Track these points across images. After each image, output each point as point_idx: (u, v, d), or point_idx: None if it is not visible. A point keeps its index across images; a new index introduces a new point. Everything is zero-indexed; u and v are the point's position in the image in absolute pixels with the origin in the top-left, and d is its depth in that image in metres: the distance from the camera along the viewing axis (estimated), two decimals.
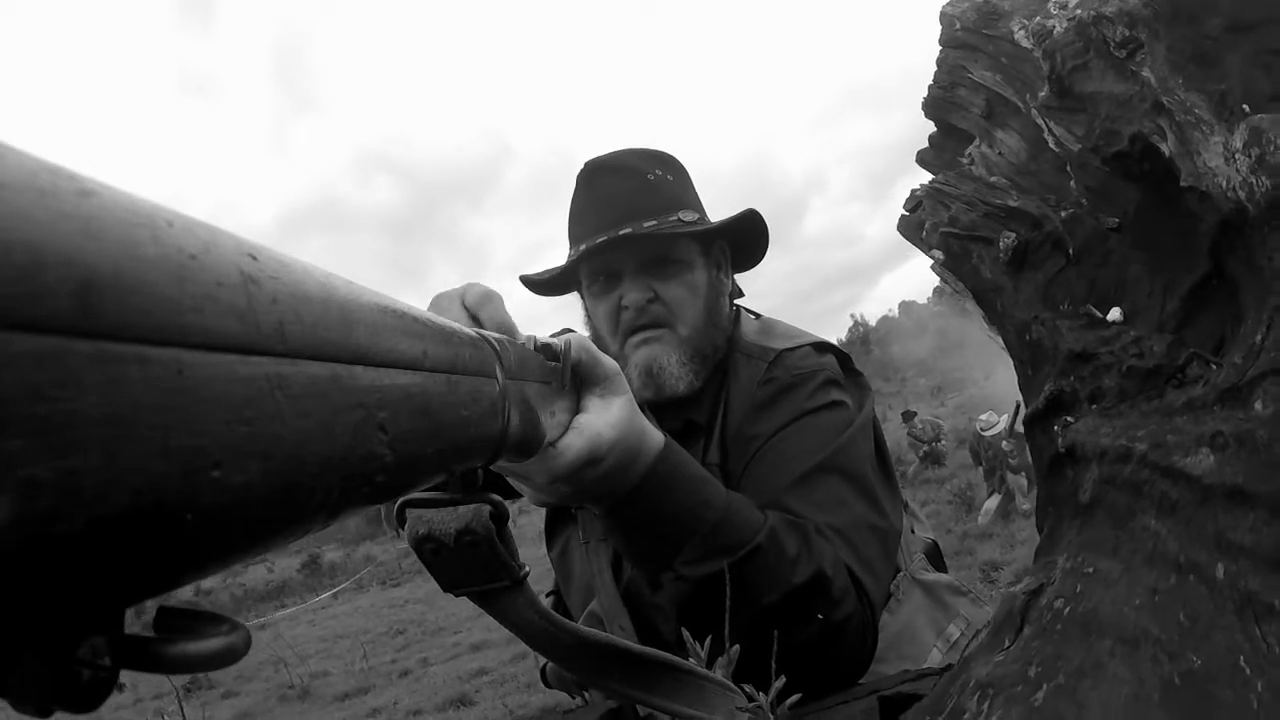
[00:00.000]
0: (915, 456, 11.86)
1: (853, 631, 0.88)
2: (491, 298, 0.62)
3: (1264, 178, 0.58)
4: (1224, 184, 0.62)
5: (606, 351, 1.11)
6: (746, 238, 1.20)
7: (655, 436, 0.79)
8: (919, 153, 1.00)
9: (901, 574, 1.12)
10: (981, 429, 8.90)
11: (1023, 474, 8.24)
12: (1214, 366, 0.57)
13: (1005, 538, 7.10)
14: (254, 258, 0.22)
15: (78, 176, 0.18)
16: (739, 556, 0.81)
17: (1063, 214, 0.80)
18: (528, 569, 0.59)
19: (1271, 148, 0.58)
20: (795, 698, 0.67)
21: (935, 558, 1.26)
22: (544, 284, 1.21)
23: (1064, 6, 0.79)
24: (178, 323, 0.19)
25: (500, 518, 0.55)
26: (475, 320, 0.61)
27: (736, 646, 0.71)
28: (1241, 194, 0.61)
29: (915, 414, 12.78)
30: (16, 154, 0.16)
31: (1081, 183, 0.80)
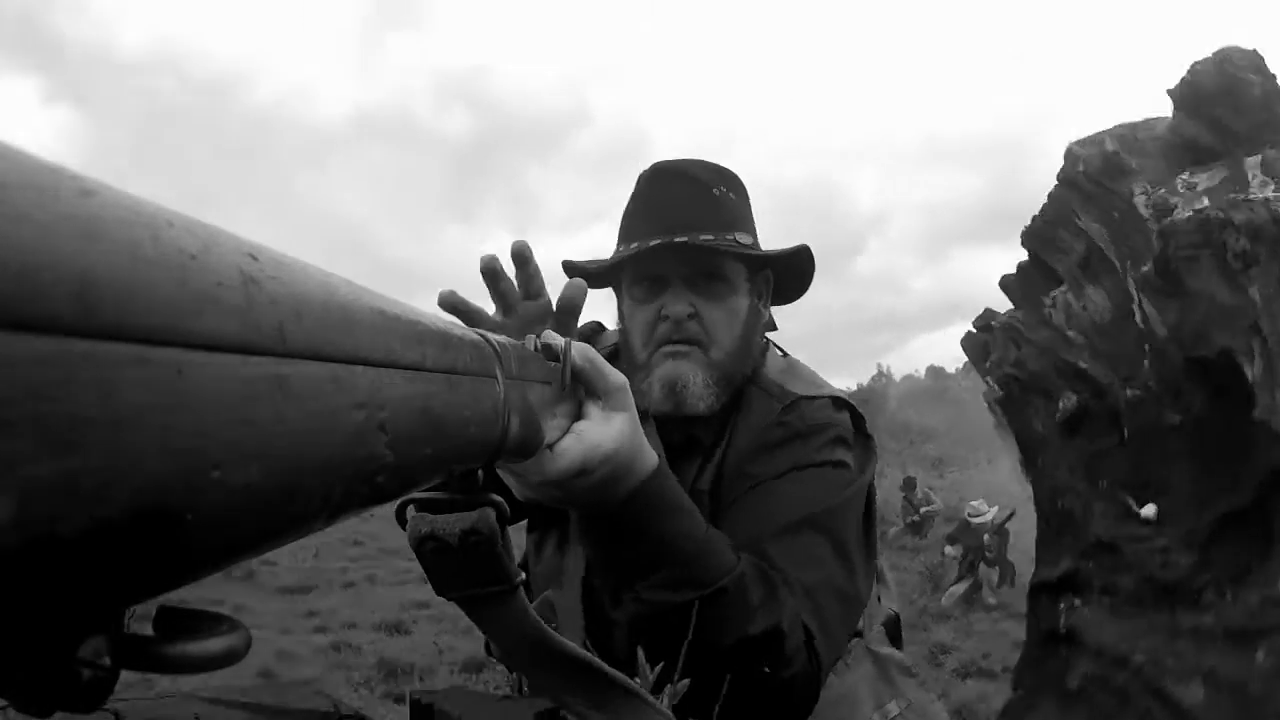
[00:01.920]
0: (901, 521, 11.85)
1: (796, 691, 0.88)
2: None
3: None
4: None
5: (633, 355, 1.11)
6: (793, 272, 1.19)
7: (649, 458, 0.79)
8: (1003, 277, 0.98)
9: (857, 640, 1.12)
10: (970, 515, 8.94)
11: (995, 569, 8.42)
12: (1229, 597, 0.55)
13: (963, 625, 7.22)
14: (254, 258, 0.22)
15: (78, 176, 0.18)
16: (703, 594, 0.81)
17: (1128, 393, 0.78)
18: (523, 576, 0.59)
19: None
20: None
21: (895, 630, 1.26)
22: (591, 274, 1.18)
23: (1191, 188, 0.78)
24: (178, 323, 0.19)
25: (503, 519, 0.55)
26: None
27: (686, 681, 0.71)
28: None
29: (915, 482, 12.73)
30: (16, 154, 0.16)
31: (1156, 368, 0.78)
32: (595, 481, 0.71)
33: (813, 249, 1.18)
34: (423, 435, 0.32)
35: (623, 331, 1.16)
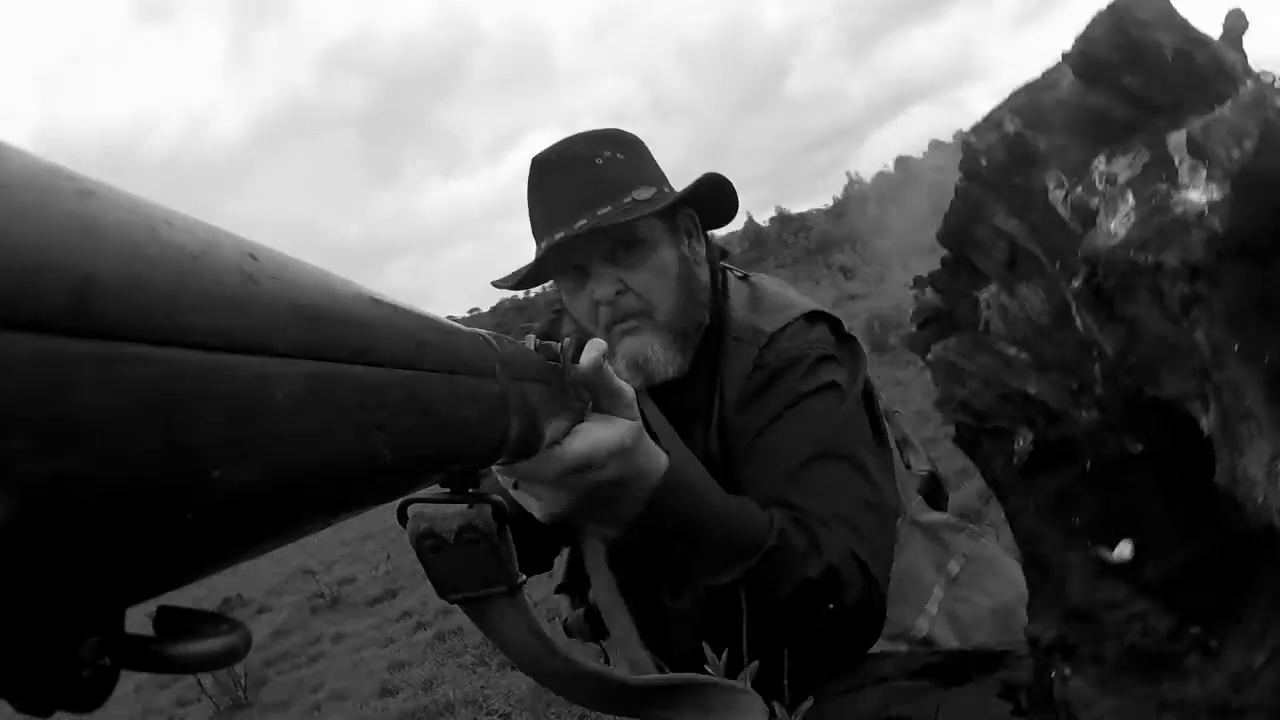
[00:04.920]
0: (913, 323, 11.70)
1: (863, 615, 0.90)
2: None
3: None
4: (1259, 498, 0.53)
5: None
6: (712, 198, 1.17)
7: (659, 458, 0.79)
8: (930, 274, 0.90)
9: (901, 519, 1.12)
10: None
11: None
12: (1214, 654, 0.51)
13: None
14: (254, 257, 0.22)
15: (77, 176, 0.18)
16: (755, 561, 0.82)
17: (1084, 415, 0.69)
18: (524, 578, 0.59)
19: None
20: (809, 703, 0.68)
21: (933, 488, 1.27)
22: (517, 283, 1.19)
23: (1112, 180, 0.66)
24: (177, 323, 0.19)
25: (502, 517, 0.55)
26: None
27: (755, 663, 0.72)
28: (1276, 521, 0.51)
29: (926, 280, 12.47)
30: (17, 154, 0.16)
31: (1109, 390, 0.68)
32: (605, 480, 0.71)
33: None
34: (422, 435, 0.32)
35: (574, 322, 1.16)
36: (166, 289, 0.18)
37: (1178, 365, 0.58)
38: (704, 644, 0.72)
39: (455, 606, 0.59)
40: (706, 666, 0.70)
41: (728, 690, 0.68)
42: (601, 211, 1.05)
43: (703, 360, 1.11)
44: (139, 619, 0.22)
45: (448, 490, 0.55)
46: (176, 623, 0.23)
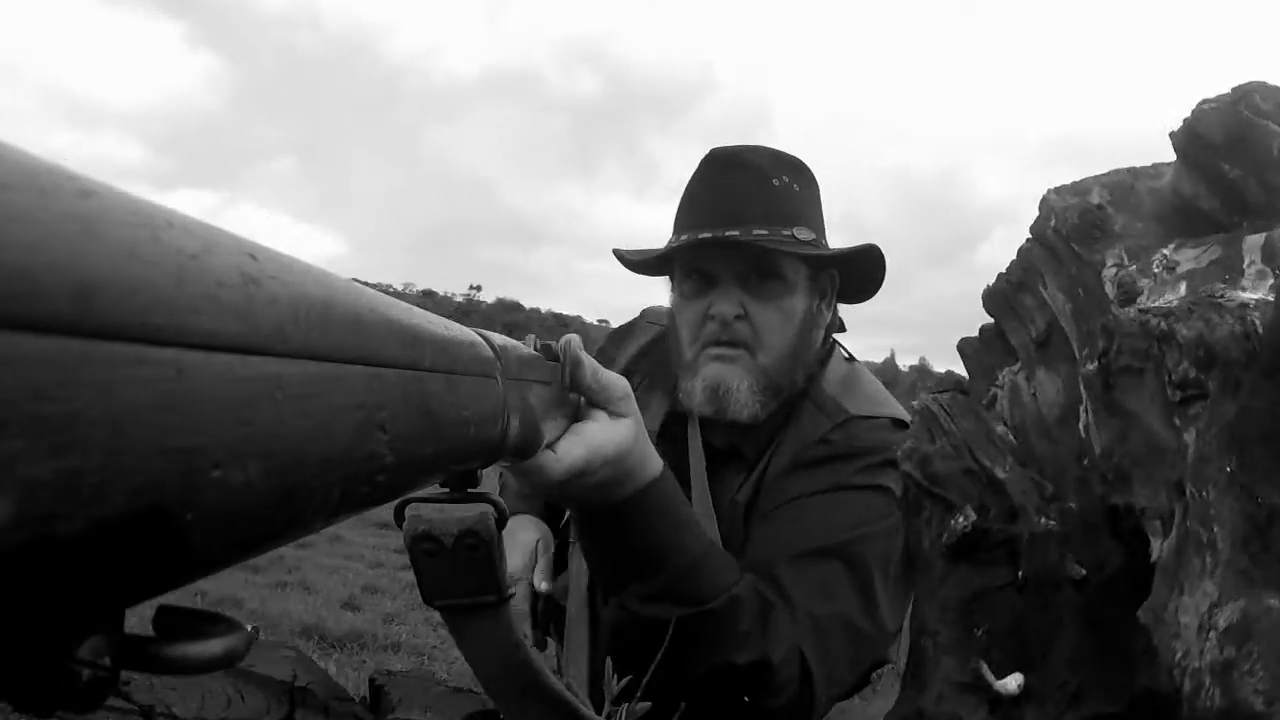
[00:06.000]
0: None
1: None
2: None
3: (1217, 693, 0.40)
4: (1176, 655, 0.44)
5: (680, 352, 1.08)
6: (860, 270, 1.11)
7: (653, 465, 0.77)
8: (961, 340, 0.84)
9: (889, 667, 1.08)
10: None
11: None
12: None
13: None
14: (254, 258, 0.22)
15: (78, 176, 0.18)
16: (689, 613, 0.79)
17: (1042, 520, 0.63)
18: (513, 590, 0.58)
19: (1252, 664, 0.40)
20: None
21: None
22: (638, 264, 1.15)
23: (1171, 268, 0.61)
24: (177, 323, 0.19)
25: (502, 521, 0.55)
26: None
27: (647, 704, 0.69)
28: (1187, 685, 0.42)
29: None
30: (17, 154, 0.16)
31: (1080, 497, 0.62)
32: (595, 482, 0.70)
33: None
34: (422, 435, 0.32)
35: (671, 326, 1.11)
36: (166, 290, 0.18)
37: (1155, 471, 0.53)
38: (608, 661, 0.70)
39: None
40: (605, 685, 0.69)
41: None
42: (758, 232, 1.00)
43: (775, 416, 1.06)
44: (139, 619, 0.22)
45: (447, 490, 0.54)
46: (176, 623, 0.23)
